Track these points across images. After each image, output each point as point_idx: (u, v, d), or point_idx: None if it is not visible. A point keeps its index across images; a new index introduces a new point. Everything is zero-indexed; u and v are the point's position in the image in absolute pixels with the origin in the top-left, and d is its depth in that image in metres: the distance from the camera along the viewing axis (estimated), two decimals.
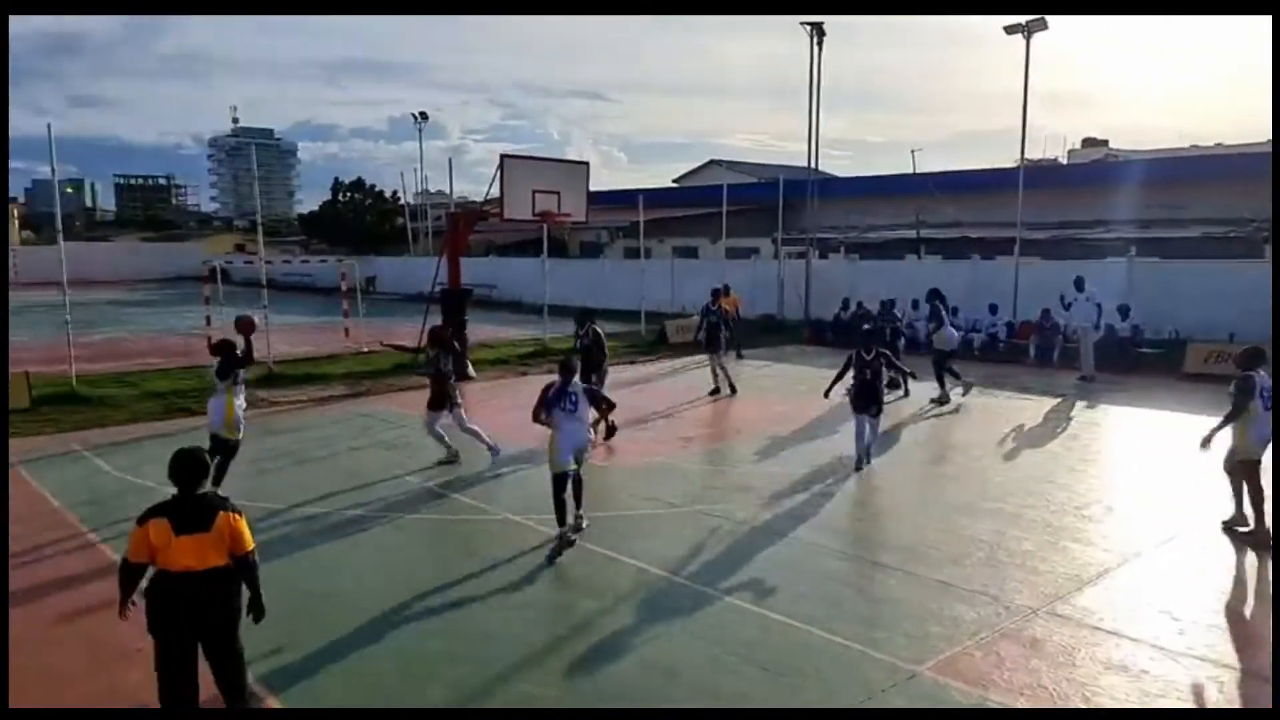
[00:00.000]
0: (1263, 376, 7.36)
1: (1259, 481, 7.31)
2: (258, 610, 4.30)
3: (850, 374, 9.67)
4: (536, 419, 7.46)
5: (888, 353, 10.19)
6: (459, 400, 9.88)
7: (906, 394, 13.96)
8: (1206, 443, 7.47)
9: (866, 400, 9.59)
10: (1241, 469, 7.40)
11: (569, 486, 7.42)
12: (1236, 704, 4.88)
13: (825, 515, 8.39)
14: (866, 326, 12.02)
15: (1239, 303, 16.61)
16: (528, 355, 19.45)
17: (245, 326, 8.78)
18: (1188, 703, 4.89)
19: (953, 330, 14.30)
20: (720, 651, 5.45)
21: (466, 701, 4.93)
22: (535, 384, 11.20)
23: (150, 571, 4.13)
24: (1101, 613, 6.03)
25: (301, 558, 7.24)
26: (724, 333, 14.78)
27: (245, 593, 4.28)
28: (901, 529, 7.81)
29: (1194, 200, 25.62)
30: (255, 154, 24.10)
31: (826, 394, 9.97)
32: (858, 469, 9.59)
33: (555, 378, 7.53)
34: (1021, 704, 4.85)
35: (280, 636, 5.64)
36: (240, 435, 8.49)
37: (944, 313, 14.22)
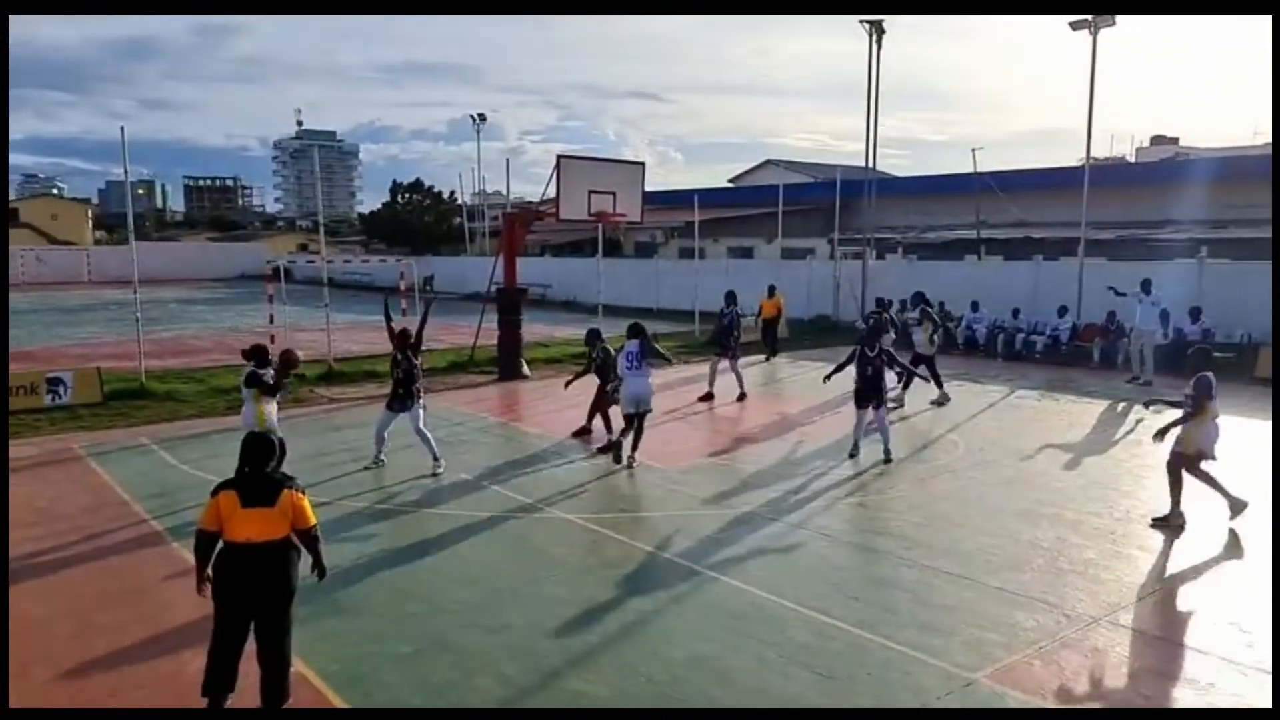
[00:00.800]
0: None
1: (1206, 471, 7.59)
2: (320, 569, 4.72)
3: (854, 368, 10.19)
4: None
5: (890, 351, 10.50)
6: (421, 402, 9.74)
7: (906, 388, 13.45)
8: (1161, 436, 7.85)
9: (868, 395, 10.04)
10: (1185, 462, 7.62)
11: (632, 427, 9.76)
12: None
13: (879, 518, 8.30)
14: (861, 325, 12.27)
15: None
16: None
17: (288, 360, 8.75)
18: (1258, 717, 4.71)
19: (930, 336, 14.02)
20: (772, 653, 5.43)
21: (516, 696, 4.99)
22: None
23: (220, 545, 4.47)
24: (1167, 623, 5.87)
25: (358, 551, 7.39)
26: (734, 336, 14.40)
27: (303, 573, 4.58)
28: (958, 534, 7.67)
29: (1268, 198, 24.57)
30: (318, 156, 24.74)
31: (826, 379, 10.69)
32: (852, 455, 10.09)
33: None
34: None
35: (334, 623, 5.82)
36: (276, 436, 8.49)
37: (933, 315, 14.09)
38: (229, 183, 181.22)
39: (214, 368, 16.72)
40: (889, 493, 9.00)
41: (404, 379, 9.64)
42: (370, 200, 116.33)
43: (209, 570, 4.47)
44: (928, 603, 6.20)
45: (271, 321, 20.28)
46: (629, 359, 9.76)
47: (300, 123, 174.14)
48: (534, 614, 6.04)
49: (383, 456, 9.85)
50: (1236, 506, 7.67)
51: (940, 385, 13.56)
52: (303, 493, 4.57)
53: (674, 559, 7.06)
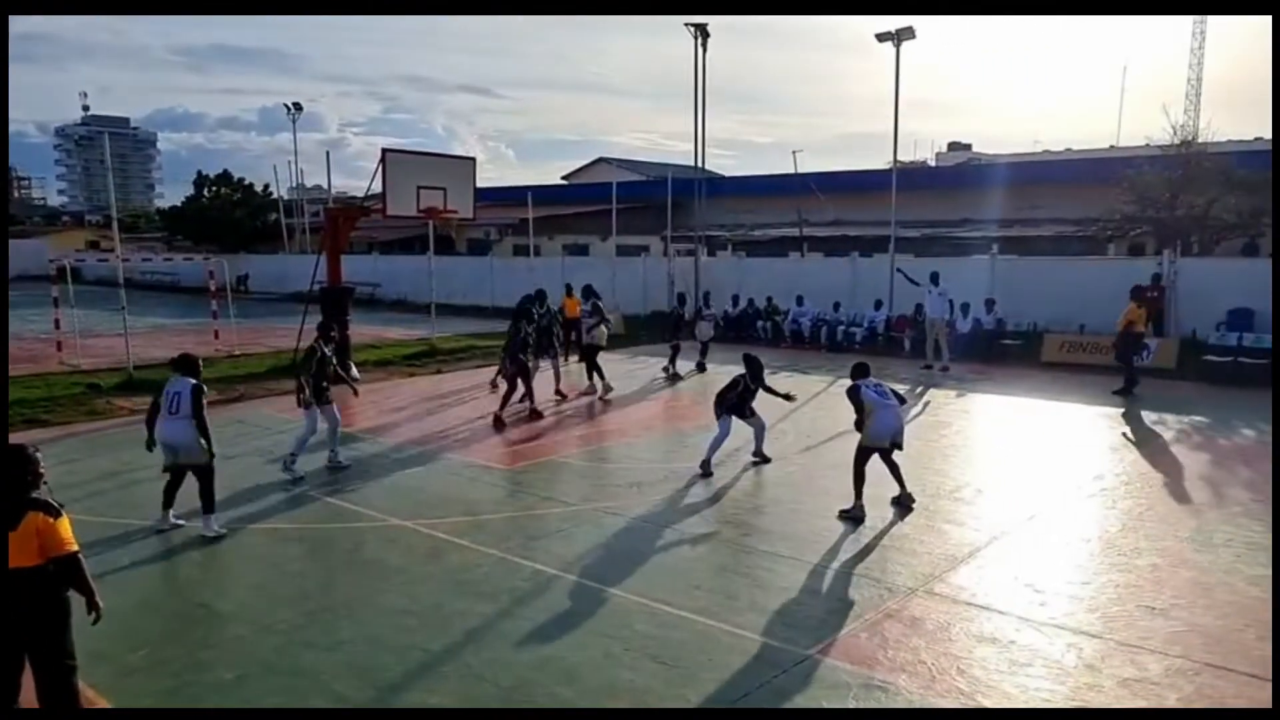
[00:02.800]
0: (868, 382, 8.30)
1: (864, 468, 8.15)
2: (91, 606, 4.19)
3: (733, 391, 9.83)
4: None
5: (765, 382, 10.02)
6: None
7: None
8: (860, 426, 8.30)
9: (744, 411, 9.80)
10: (863, 455, 8.19)
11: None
12: (1095, 667, 5.26)
13: (716, 507, 8.54)
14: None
15: (1086, 296, 18.14)
16: (414, 355, 18.92)
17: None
18: (1052, 669, 5.23)
19: (603, 328, 14.94)
20: (617, 648, 5.47)
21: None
22: (423, 385, 10.95)
23: None
24: (973, 589, 6.40)
25: (172, 574, 6.83)
26: (555, 335, 14.41)
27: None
28: (790, 518, 8.05)
29: (1048, 201, 27.59)
30: (109, 143, 22.41)
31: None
32: (765, 460, 9.96)
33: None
34: (903, 680, 5.08)
35: (148, 657, 5.32)
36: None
37: (602, 310, 14.98)
38: None
39: None
40: (725, 482, 9.30)
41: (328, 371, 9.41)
42: (172, 194, 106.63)
43: None
44: (764, 586, 6.46)
45: (58, 327, 18.25)
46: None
47: (87, 107, 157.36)
48: (370, 628, 5.76)
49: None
50: (856, 515, 7.97)
51: (593, 378, 14.28)
52: (56, 517, 4.02)
53: (518, 560, 6.96)
